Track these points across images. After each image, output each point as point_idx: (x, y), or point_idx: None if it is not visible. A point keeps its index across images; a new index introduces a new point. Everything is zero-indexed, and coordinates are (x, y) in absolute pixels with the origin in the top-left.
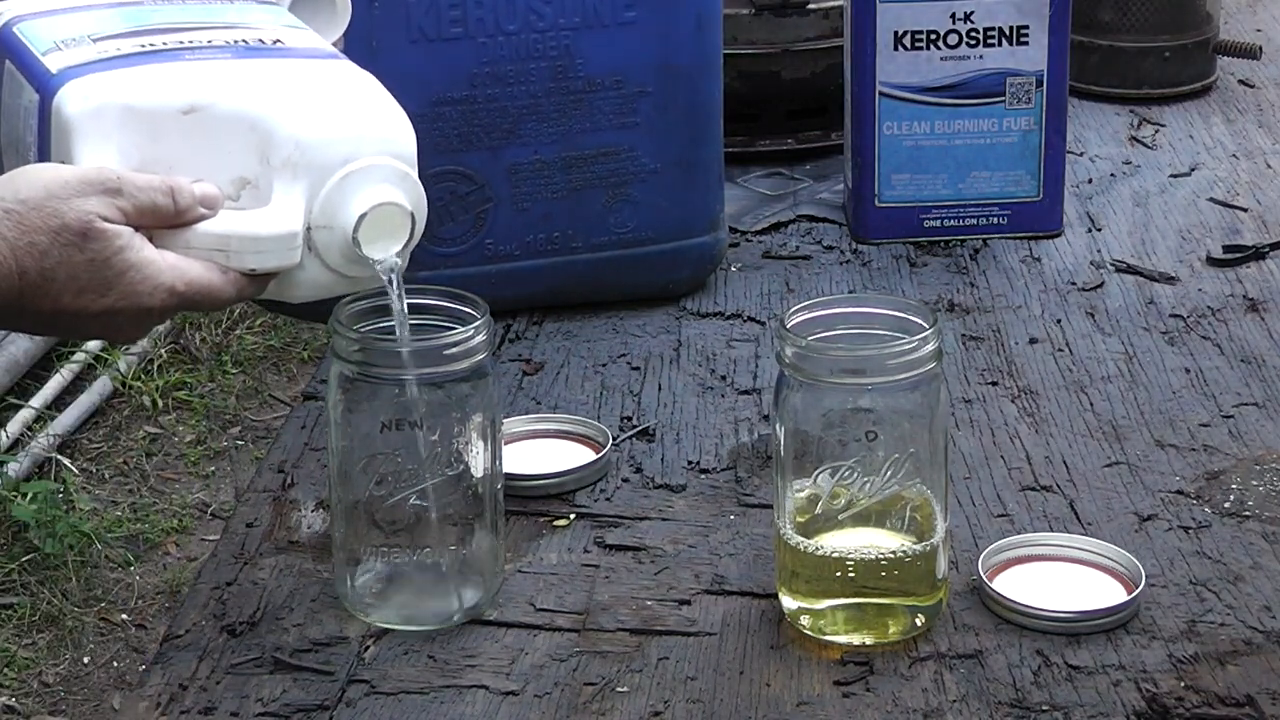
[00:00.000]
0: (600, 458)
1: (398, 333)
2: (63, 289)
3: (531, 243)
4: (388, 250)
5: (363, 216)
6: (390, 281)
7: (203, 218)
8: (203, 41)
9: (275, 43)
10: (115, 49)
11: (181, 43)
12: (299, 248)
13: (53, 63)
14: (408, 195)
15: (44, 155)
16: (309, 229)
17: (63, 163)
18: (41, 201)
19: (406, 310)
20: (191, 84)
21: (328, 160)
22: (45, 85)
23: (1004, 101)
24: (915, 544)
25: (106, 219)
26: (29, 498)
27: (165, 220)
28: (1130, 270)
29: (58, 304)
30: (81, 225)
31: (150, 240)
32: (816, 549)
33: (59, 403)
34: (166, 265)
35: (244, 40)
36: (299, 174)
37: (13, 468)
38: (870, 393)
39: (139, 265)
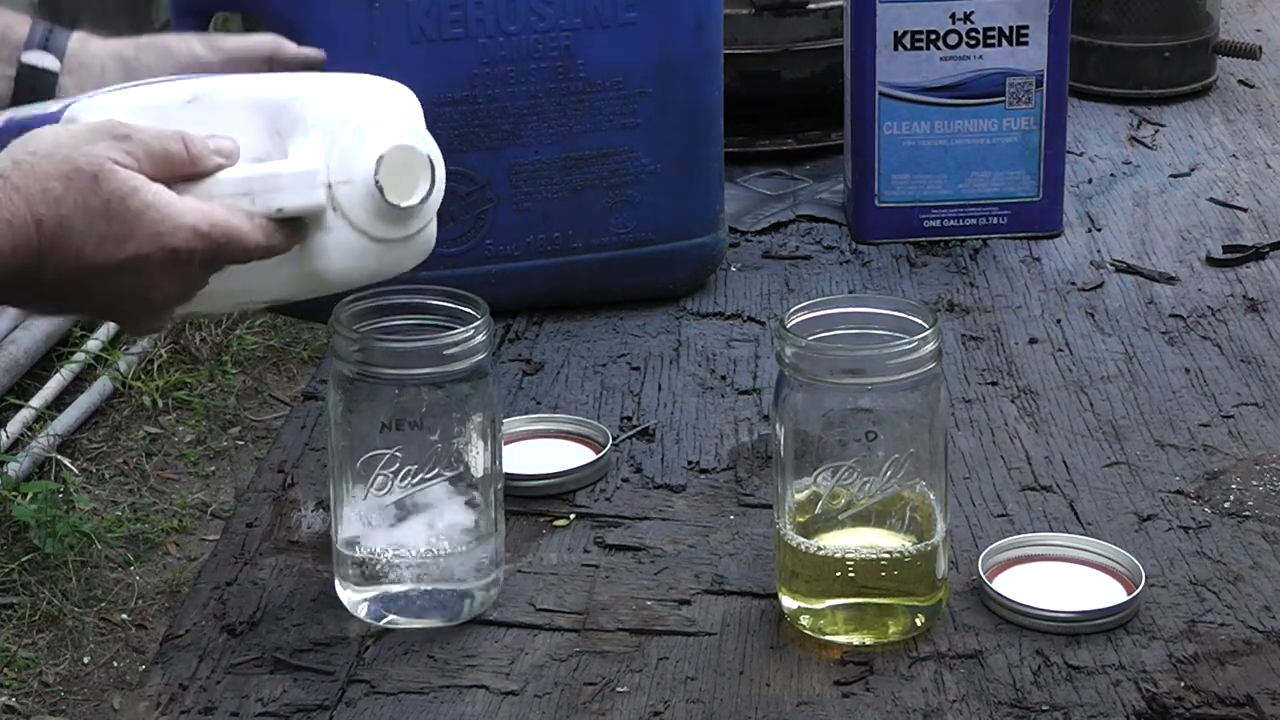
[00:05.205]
0: (600, 458)
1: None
2: (83, 239)
3: (531, 243)
4: (412, 197)
5: (381, 159)
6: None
7: (220, 167)
8: None
9: None
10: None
11: None
12: (321, 186)
13: (55, 105)
14: (422, 143)
15: None
16: (329, 186)
17: None
18: (51, 150)
19: None
20: (192, 84)
21: (339, 116)
22: (54, 118)
23: (1004, 101)
24: (915, 544)
25: (118, 162)
26: (29, 498)
27: (180, 167)
28: (1130, 270)
29: (80, 258)
30: (93, 168)
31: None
32: (816, 549)
33: (59, 403)
34: (187, 206)
35: None
36: (311, 130)
37: (13, 468)
38: (870, 393)
39: (156, 205)
